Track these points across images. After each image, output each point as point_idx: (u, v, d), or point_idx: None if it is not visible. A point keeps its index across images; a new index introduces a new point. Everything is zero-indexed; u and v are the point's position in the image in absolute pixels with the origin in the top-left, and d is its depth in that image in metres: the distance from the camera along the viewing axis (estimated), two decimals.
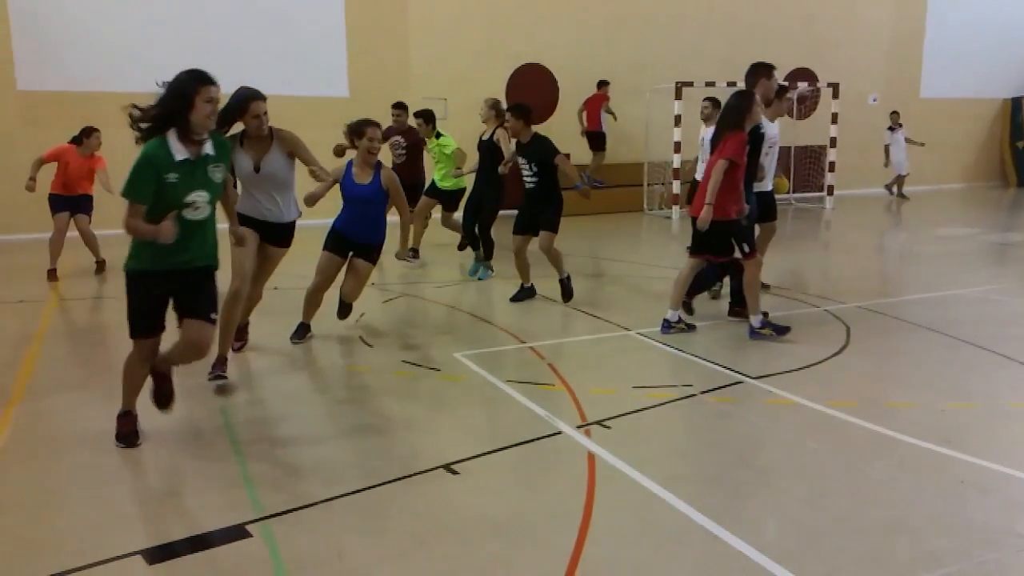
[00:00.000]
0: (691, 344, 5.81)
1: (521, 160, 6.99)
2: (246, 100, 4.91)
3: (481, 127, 8.47)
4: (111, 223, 10.89)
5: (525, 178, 7.03)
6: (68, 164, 8.45)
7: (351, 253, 5.82)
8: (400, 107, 9.50)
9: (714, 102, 10.02)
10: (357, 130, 5.70)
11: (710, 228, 5.76)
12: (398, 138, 9.20)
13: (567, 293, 7.13)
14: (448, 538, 3.11)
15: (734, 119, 5.78)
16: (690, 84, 13.80)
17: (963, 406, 4.55)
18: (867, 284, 7.99)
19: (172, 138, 3.66)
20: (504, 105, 8.29)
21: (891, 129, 16.37)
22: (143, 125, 3.68)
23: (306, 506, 3.32)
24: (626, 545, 3.05)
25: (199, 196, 3.75)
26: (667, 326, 6.07)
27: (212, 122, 3.73)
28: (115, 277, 8.61)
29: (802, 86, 15.40)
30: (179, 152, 3.66)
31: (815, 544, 3.04)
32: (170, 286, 3.86)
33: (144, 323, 3.89)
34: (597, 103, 14.19)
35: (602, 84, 14.29)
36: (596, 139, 14.28)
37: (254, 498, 3.42)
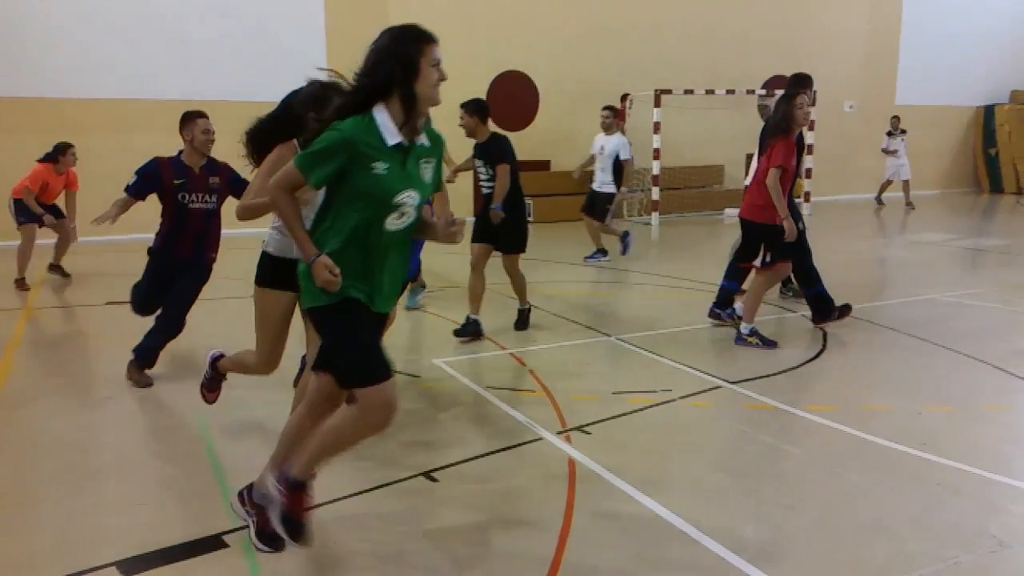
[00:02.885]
0: (671, 349, 5.83)
1: (478, 163, 6.26)
2: (330, 95, 3.48)
3: (460, 133, 8.31)
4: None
5: (483, 183, 6.29)
6: (47, 184, 8.43)
7: None
8: None
9: (613, 111, 9.84)
10: None
11: (753, 233, 5.80)
12: None
13: (522, 322, 6.49)
14: (428, 546, 3.10)
15: (783, 125, 5.76)
16: (669, 92, 13.89)
17: (939, 409, 4.60)
18: (844, 289, 8.05)
19: (382, 115, 2.70)
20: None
21: (889, 134, 16.10)
22: (340, 103, 2.76)
23: None
24: (606, 551, 3.05)
25: (409, 197, 2.76)
26: (739, 337, 5.94)
27: (438, 96, 2.77)
28: (83, 285, 8.52)
29: (779, 94, 15.53)
30: (391, 134, 2.70)
31: (793, 547, 3.06)
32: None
33: (382, 357, 2.74)
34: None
35: (622, 98, 14.27)
36: None
37: (231, 507, 3.38)
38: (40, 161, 8.47)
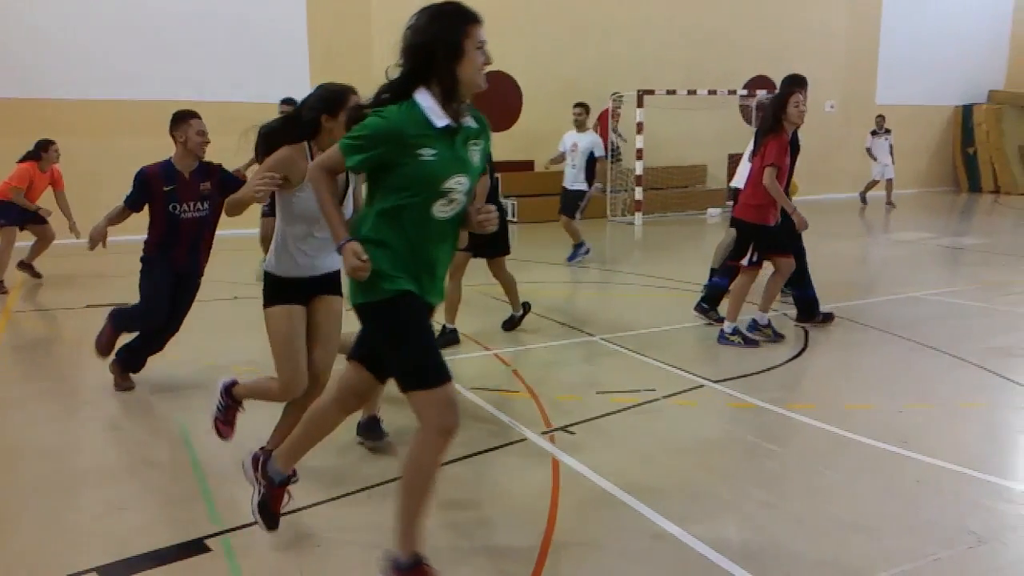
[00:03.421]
0: (654, 349, 5.85)
1: None
2: (345, 94, 3.43)
3: None
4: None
5: None
6: (33, 182, 8.37)
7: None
8: (290, 103, 7.90)
9: (585, 108, 9.77)
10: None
11: (745, 232, 5.85)
12: None
13: (510, 323, 6.45)
14: None
15: (773, 122, 5.78)
16: (651, 92, 13.95)
17: (920, 407, 4.65)
18: (824, 288, 8.12)
19: (425, 99, 2.54)
20: None
21: (874, 133, 16.11)
22: (380, 89, 2.62)
23: None
24: (590, 551, 3.06)
25: (459, 183, 2.60)
26: (722, 336, 5.98)
27: (483, 80, 2.60)
28: (62, 288, 8.43)
29: (761, 94, 15.63)
30: (438, 117, 2.54)
31: (775, 545, 3.08)
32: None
33: (439, 358, 2.59)
34: (603, 119, 14.43)
35: (612, 98, 14.37)
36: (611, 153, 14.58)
37: (213, 512, 3.37)
38: (22, 160, 8.41)
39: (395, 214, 2.57)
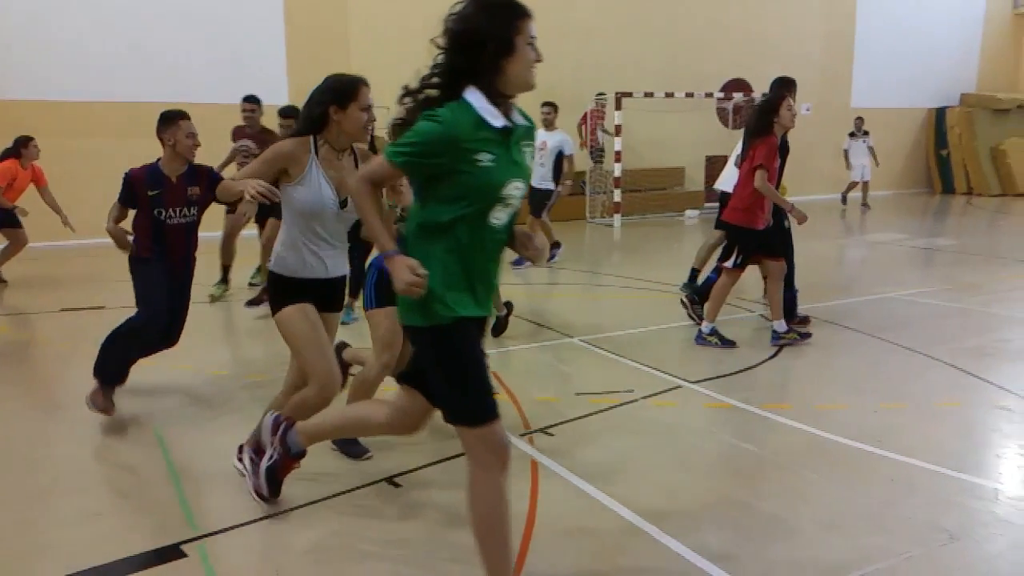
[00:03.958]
0: (632, 350, 5.88)
1: None
2: (356, 85, 3.37)
3: None
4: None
5: None
6: (14, 180, 8.27)
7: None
8: (253, 101, 7.78)
9: (553, 107, 9.73)
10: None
11: (732, 234, 5.88)
12: (246, 142, 7.52)
13: (498, 328, 6.32)
14: (389, 552, 3.08)
15: (763, 125, 5.79)
16: (629, 95, 14.00)
17: (894, 407, 4.70)
18: (802, 289, 8.21)
19: (477, 98, 2.34)
20: None
21: (852, 135, 16.19)
22: (428, 90, 2.41)
23: (243, 524, 3.25)
24: (569, 551, 3.06)
25: (516, 188, 2.44)
26: (699, 337, 6.01)
27: (533, 78, 2.39)
28: (35, 291, 8.32)
29: (737, 96, 15.76)
30: (494, 116, 2.35)
31: (751, 544, 3.10)
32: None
33: (490, 394, 2.45)
34: (584, 121, 14.49)
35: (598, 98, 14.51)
36: (592, 154, 14.62)
37: (189, 517, 3.34)
38: (1, 159, 8.30)
39: (449, 226, 2.39)
